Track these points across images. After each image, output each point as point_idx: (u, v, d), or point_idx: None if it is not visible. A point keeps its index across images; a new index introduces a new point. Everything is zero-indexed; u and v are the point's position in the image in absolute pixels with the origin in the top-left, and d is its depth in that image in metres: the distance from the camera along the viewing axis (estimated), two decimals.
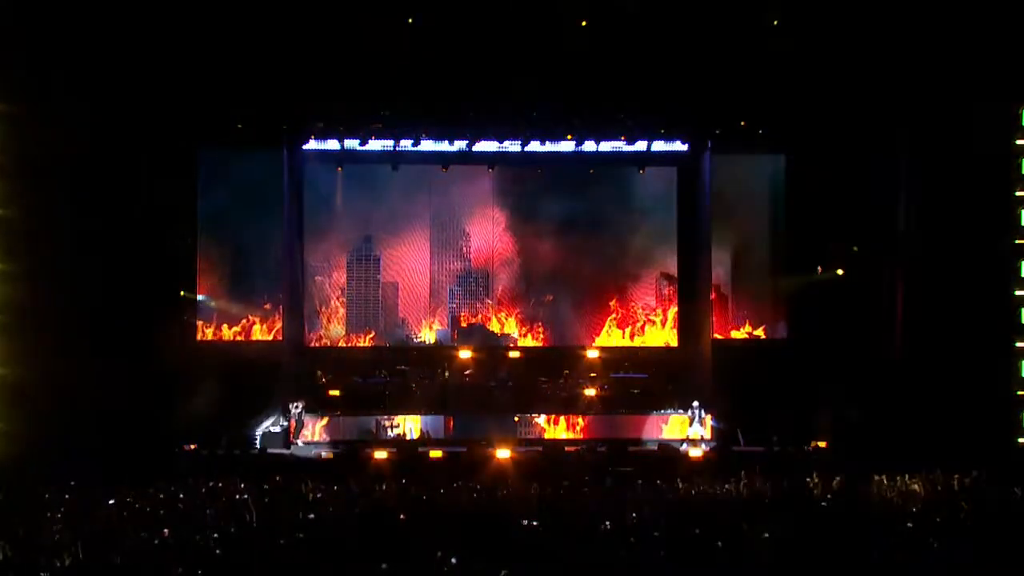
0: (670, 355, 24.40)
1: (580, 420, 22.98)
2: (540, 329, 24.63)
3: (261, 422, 21.66)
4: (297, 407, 21.76)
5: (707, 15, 19.33)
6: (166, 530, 11.84)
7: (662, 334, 24.62)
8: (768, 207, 23.39)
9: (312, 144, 23.38)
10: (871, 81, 19.91)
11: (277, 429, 21.67)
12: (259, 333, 22.87)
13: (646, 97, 21.28)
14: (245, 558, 10.66)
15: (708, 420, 22.13)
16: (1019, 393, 20.21)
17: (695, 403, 22.30)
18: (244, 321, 22.88)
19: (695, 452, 20.49)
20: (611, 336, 24.57)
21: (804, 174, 22.24)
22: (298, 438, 21.58)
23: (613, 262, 24.52)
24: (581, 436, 22.79)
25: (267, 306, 22.94)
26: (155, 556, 10.75)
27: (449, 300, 24.66)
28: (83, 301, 19.32)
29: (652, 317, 24.69)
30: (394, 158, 23.52)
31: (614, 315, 24.60)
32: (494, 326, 24.59)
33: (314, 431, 22.23)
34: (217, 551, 10.88)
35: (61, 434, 18.33)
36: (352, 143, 23.21)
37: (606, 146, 23.48)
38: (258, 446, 21.09)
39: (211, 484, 16.23)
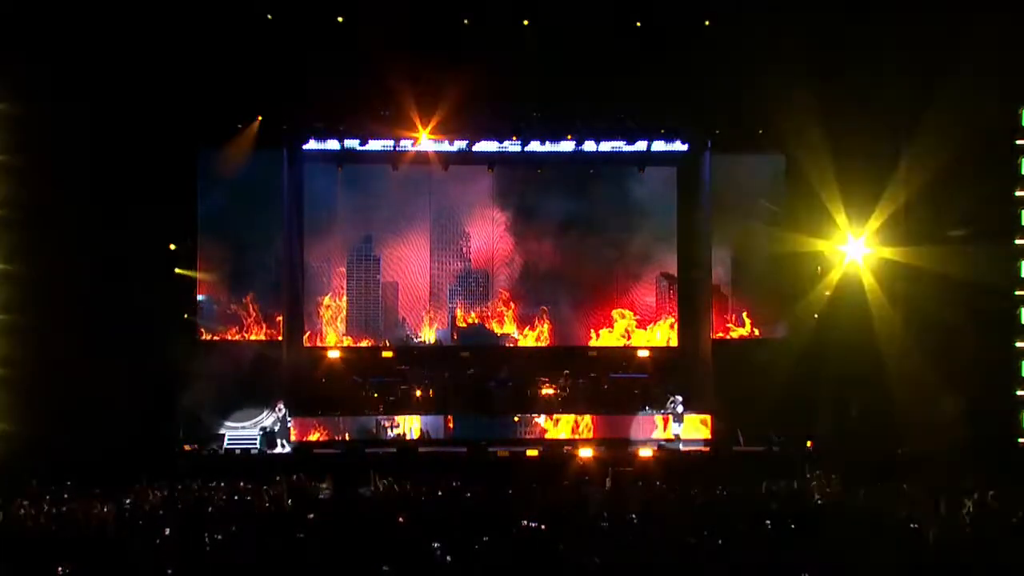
0: (670, 355, 24.40)
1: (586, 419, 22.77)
2: (540, 329, 24.62)
3: (261, 422, 21.68)
4: (280, 410, 21.58)
5: (705, 16, 19.37)
6: (166, 530, 11.84)
7: (662, 334, 24.61)
8: (767, 207, 23.33)
9: (312, 144, 23.37)
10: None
11: (277, 429, 21.65)
12: (259, 333, 22.85)
13: (646, 97, 21.26)
14: (245, 558, 10.67)
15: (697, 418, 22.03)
16: (1019, 393, 20.21)
17: (678, 398, 21.87)
18: (244, 321, 22.86)
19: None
20: (611, 336, 24.56)
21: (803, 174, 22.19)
22: (285, 438, 21.41)
23: (613, 262, 24.50)
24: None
25: (267, 306, 22.93)
26: (155, 556, 10.76)
27: (449, 300, 24.65)
28: (83, 301, 19.35)
29: (652, 317, 24.69)
30: (394, 158, 23.53)
31: (614, 315, 24.58)
32: (494, 326, 24.58)
33: (314, 431, 22.20)
34: (217, 551, 10.89)
35: (61, 434, 18.35)
36: (352, 143, 23.21)
37: (606, 146, 23.47)
38: (257, 446, 21.12)
39: (211, 484, 16.25)
